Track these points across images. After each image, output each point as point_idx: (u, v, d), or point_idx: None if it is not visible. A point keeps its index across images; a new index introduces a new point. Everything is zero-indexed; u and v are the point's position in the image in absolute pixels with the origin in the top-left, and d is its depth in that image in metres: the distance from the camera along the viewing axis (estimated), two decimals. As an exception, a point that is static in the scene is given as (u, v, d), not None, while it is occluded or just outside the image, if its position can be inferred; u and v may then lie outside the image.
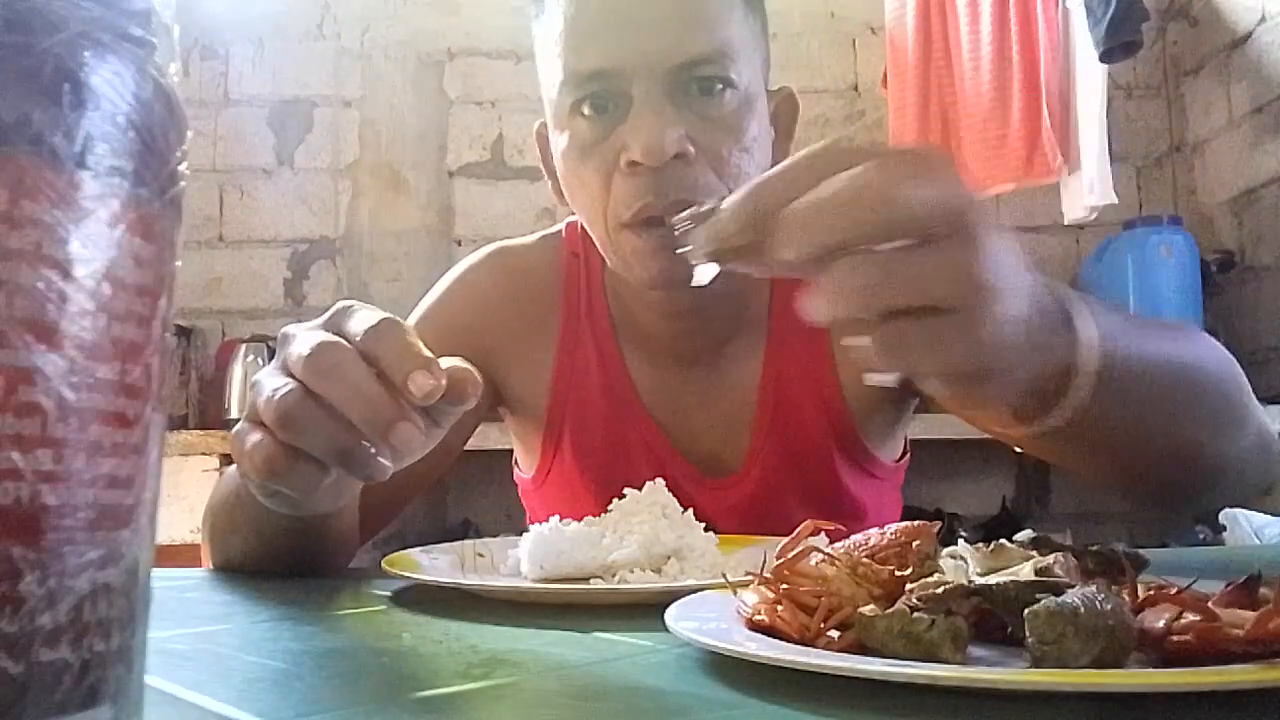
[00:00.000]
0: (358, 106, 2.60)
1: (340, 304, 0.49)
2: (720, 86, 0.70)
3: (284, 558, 0.66)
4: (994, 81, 2.35)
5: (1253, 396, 0.65)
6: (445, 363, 0.45)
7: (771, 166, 0.76)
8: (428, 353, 0.44)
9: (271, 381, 0.46)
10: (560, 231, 0.91)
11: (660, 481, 0.67)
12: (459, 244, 2.57)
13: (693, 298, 0.76)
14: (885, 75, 2.50)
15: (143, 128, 0.20)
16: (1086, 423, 0.49)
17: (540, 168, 0.84)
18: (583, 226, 0.90)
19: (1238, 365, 0.65)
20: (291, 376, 0.46)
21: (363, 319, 0.46)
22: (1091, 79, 2.26)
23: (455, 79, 2.62)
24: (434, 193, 2.59)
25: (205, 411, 2.38)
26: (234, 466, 0.73)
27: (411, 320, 0.87)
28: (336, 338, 0.46)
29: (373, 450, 0.45)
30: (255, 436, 0.47)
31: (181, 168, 0.22)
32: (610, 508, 0.66)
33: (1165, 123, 2.64)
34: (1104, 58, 2.18)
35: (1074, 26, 2.28)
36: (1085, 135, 2.27)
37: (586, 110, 0.71)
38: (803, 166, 0.41)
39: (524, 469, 0.94)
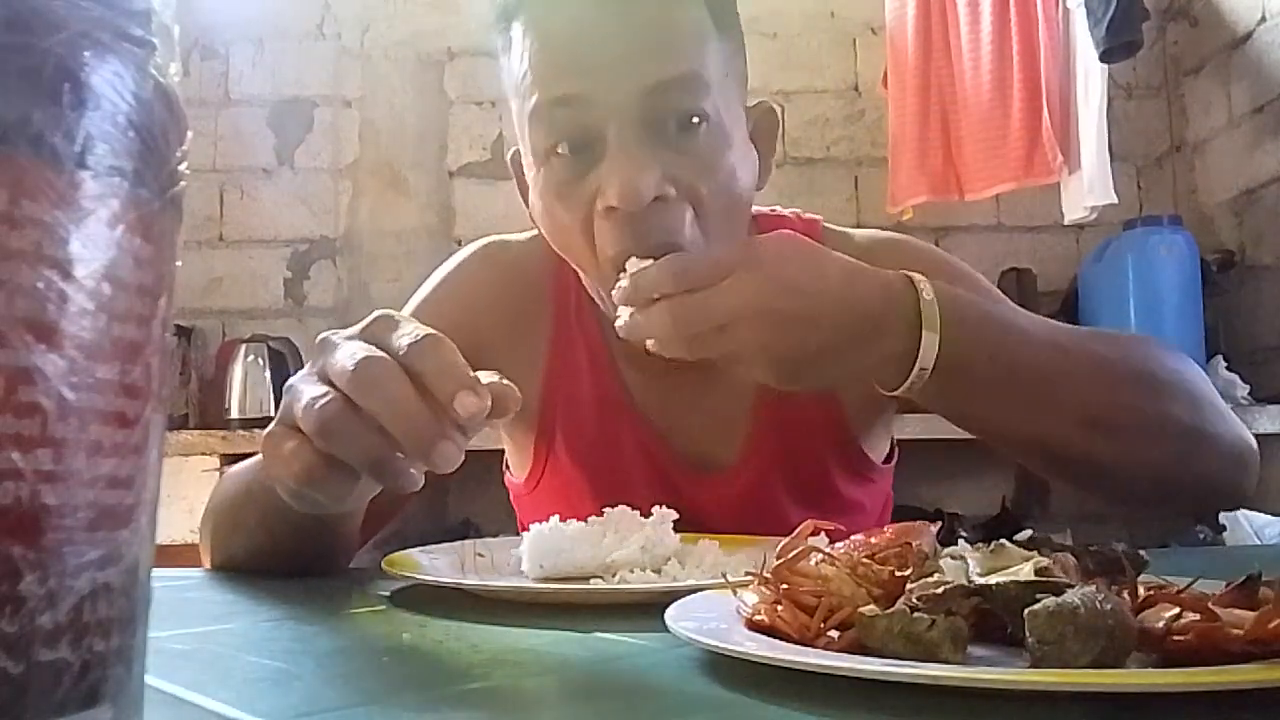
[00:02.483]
0: (358, 106, 2.60)
1: (380, 314, 0.49)
2: (696, 120, 0.69)
3: (289, 556, 0.66)
4: (994, 81, 2.35)
5: (1200, 409, 0.71)
6: (483, 377, 0.45)
7: (757, 185, 0.77)
8: (471, 371, 0.44)
9: (311, 389, 0.46)
10: None
11: (670, 513, 0.65)
12: (459, 244, 2.54)
13: None
14: (885, 75, 2.50)
15: (143, 128, 0.20)
16: (941, 396, 0.63)
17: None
18: None
19: (1188, 382, 0.71)
20: (332, 386, 0.46)
21: (405, 333, 0.46)
22: (1092, 79, 2.26)
23: (455, 79, 2.62)
24: (434, 193, 2.59)
25: (205, 411, 2.38)
26: (236, 467, 0.73)
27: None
28: (380, 351, 0.45)
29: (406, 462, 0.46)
30: (292, 443, 0.47)
31: (182, 168, 0.22)
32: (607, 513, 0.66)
33: (1165, 123, 2.63)
34: (1104, 57, 2.18)
35: (1074, 26, 2.28)
36: (1085, 135, 2.27)
37: (561, 150, 0.70)
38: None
39: (515, 472, 0.94)
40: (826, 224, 0.90)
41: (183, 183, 0.22)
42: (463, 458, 0.45)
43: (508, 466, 0.97)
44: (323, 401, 0.45)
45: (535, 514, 0.82)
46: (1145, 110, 2.63)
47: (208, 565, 0.74)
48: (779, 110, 0.83)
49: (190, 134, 0.22)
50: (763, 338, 0.57)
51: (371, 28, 2.62)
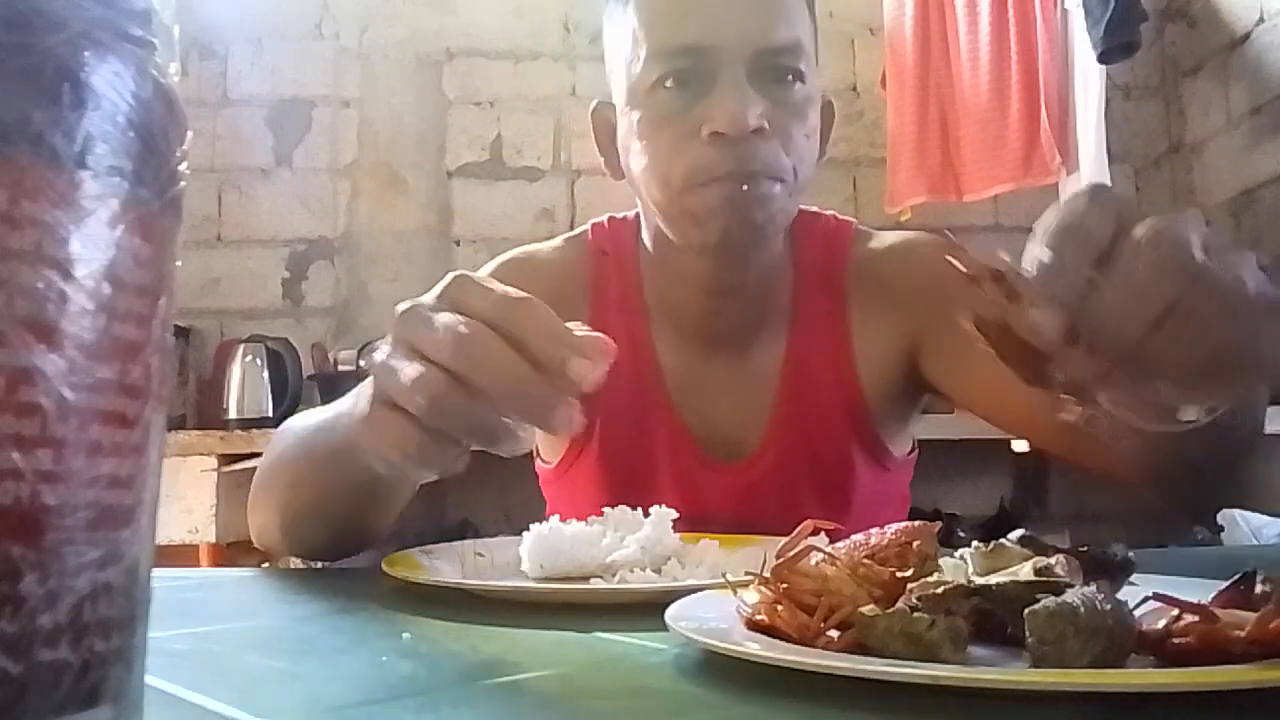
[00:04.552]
0: (356, 106, 2.60)
1: (455, 275, 0.47)
2: (791, 77, 0.77)
3: (346, 518, 0.67)
4: (992, 82, 2.35)
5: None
6: (576, 330, 0.44)
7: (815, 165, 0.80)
8: (571, 332, 0.44)
9: (408, 368, 0.45)
10: (586, 232, 0.94)
11: (669, 513, 0.65)
12: (458, 244, 2.57)
13: (741, 267, 0.81)
14: (884, 76, 2.50)
15: (143, 128, 0.20)
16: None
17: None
18: (610, 225, 0.93)
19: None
20: (428, 360, 0.44)
21: (494, 299, 0.45)
22: (1090, 79, 2.26)
23: (454, 79, 2.62)
24: (433, 193, 2.59)
25: (203, 412, 2.37)
26: (296, 420, 0.72)
27: None
28: (478, 323, 0.44)
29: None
30: (400, 424, 0.46)
31: (181, 168, 0.22)
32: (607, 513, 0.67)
33: (1164, 123, 2.64)
34: (1102, 58, 2.18)
35: (1072, 27, 2.28)
36: (1083, 136, 2.27)
37: (669, 84, 0.77)
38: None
39: (546, 457, 0.95)
40: (859, 225, 0.93)
41: (182, 183, 0.22)
42: (583, 418, 0.44)
43: (537, 452, 0.97)
44: (428, 380, 0.44)
45: (565, 496, 0.88)
46: (1143, 111, 2.63)
47: (253, 527, 0.74)
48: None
49: (190, 134, 0.22)
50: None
51: (370, 28, 2.62)
